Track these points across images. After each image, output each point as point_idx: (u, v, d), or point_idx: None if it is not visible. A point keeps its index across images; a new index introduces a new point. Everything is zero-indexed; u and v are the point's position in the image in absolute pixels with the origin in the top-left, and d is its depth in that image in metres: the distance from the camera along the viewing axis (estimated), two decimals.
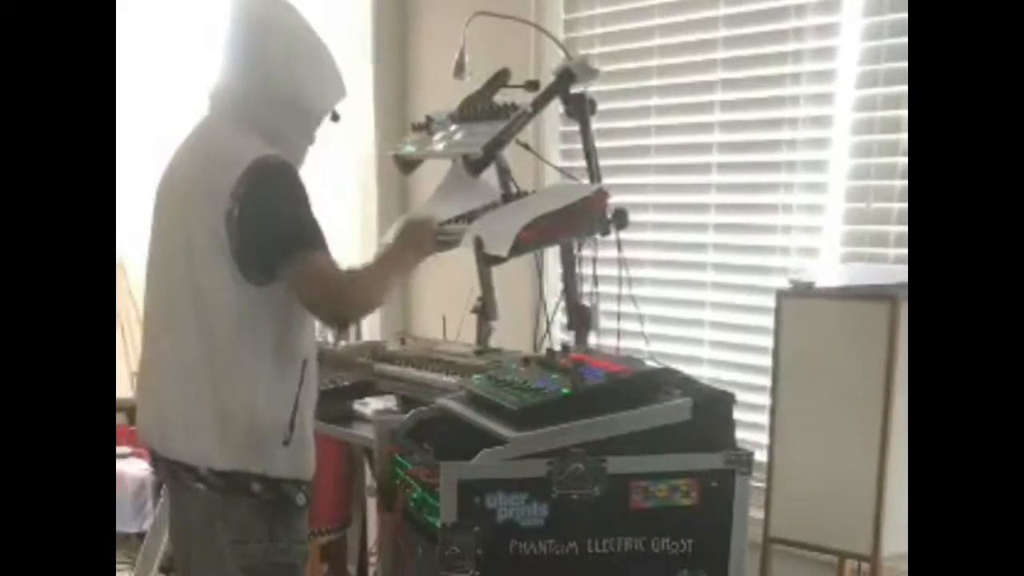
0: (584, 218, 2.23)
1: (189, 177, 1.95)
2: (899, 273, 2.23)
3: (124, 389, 2.50)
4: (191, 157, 1.99)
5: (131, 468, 3.92)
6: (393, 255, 2.08)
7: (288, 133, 1.99)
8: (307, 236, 1.86)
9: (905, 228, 2.49)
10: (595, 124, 2.39)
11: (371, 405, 2.61)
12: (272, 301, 1.88)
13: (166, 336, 1.97)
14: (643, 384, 1.79)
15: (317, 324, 2.10)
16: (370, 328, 3.54)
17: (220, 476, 1.90)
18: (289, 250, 1.84)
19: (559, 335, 2.73)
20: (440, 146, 2.40)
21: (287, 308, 1.92)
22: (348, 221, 3.97)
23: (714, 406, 1.77)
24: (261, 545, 1.94)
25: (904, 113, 2.48)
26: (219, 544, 1.92)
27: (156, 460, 2.04)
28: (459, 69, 2.57)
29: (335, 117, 2.07)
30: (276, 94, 1.96)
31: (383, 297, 2.04)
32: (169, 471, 2.00)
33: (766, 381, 2.43)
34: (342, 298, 1.90)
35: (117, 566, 3.49)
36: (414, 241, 2.10)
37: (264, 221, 1.84)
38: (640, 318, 2.43)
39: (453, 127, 2.42)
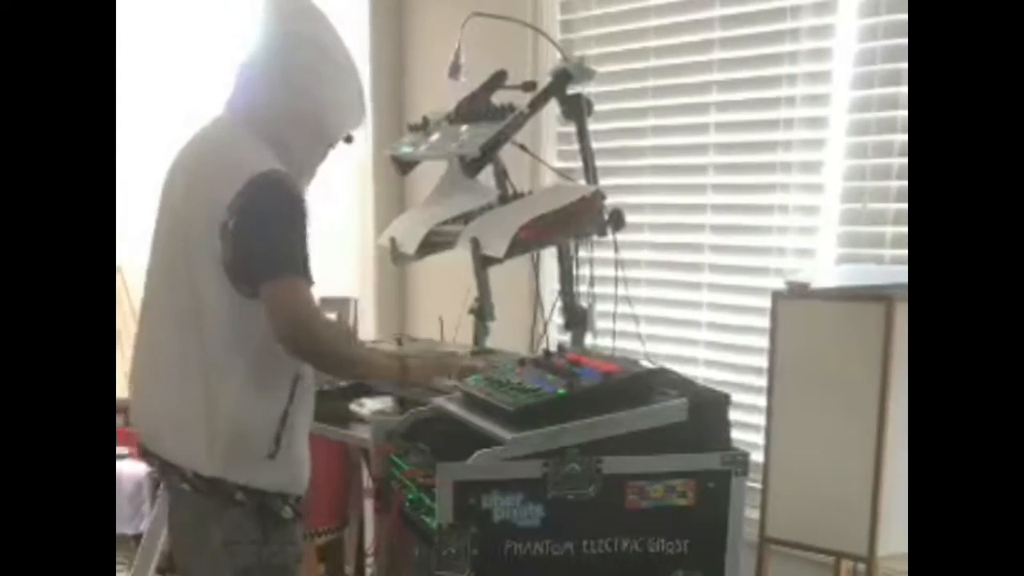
0: (581, 219, 2.23)
1: (192, 181, 1.92)
2: (895, 274, 2.23)
3: (123, 391, 2.49)
4: (197, 159, 1.96)
5: (129, 469, 3.91)
6: (389, 360, 2.14)
7: (300, 150, 1.96)
8: (292, 262, 1.82)
9: (901, 229, 2.50)
10: (592, 125, 2.40)
11: (368, 406, 2.60)
12: (263, 315, 1.84)
13: (167, 334, 1.95)
14: (639, 385, 1.79)
15: None
16: (367, 329, 3.54)
17: (205, 481, 1.90)
18: (273, 271, 1.81)
19: (556, 336, 2.73)
20: (437, 147, 2.40)
21: None
22: (345, 222, 3.97)
23: (710, 407, 1.77)
24: (254, 546, 1.93)
25: (900, 114, 2.48)
26: (213, 546, 1.91)
27: (147, 455, 2.05)
28: (455, 70, 2.57)
29: (348, 139, 2.05)
30: (296, 111, 1.93)
31: (346, 359, 2.01)
32: (160, 468, 2.02)
33: (762, 382, 2.43)
34: (309, 331, 1.85)
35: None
36: (424, 371, 2.13)
37: (255, 238, 1.81)
38: (636, 319, 2.44)
39: (450, 128, 2.42)
